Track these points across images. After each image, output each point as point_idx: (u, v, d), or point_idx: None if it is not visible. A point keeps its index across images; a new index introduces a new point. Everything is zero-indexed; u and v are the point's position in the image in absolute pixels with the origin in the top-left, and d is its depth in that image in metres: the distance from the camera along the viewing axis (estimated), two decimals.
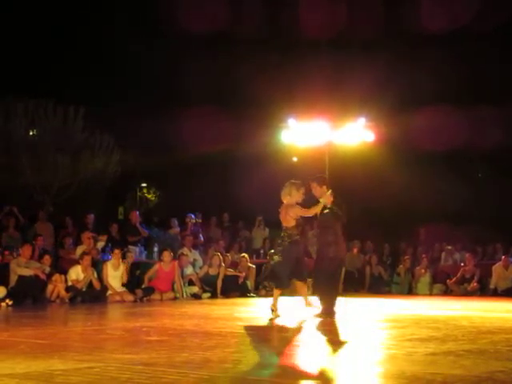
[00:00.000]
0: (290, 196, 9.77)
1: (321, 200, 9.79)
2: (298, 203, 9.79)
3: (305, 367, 5.52)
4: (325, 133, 21.02)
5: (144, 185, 39.54)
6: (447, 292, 17.93)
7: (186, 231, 17.94)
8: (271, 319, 9.58)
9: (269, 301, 10.12)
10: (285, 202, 9.82)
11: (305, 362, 5.82)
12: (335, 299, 9.91)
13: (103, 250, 15.67)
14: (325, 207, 9.77)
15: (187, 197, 28.96)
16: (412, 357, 5.96)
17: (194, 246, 17.32)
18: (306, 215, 9.95)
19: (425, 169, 26.65)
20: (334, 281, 9.96)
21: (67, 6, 30.42)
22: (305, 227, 18.24)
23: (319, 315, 9.71)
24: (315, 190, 10.01)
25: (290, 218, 9.69)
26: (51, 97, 23.43)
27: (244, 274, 16.48)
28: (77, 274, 13.94)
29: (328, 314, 9.70)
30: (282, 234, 9.83)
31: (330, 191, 9.83)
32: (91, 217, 16.93)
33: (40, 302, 13.36)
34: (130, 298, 14.18)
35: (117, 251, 14.58)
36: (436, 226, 21.19)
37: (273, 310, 9.80)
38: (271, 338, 7.95)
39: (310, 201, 10.12)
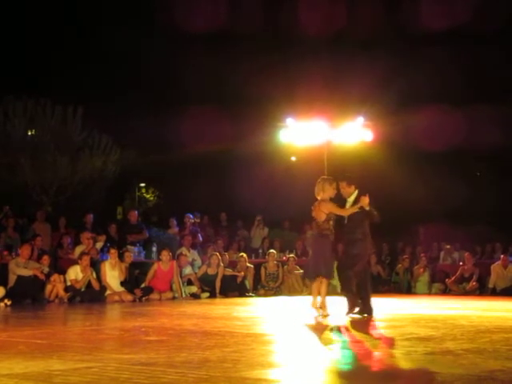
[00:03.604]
0: (324, 192, 9.91)
1: (361, 202, 9.81)
2: (331, 199, 9.97)
3: (303, 366, 5.52)
4: (323, 132, 21.01)
5: (142, 185, 39.53)
6: (446, 291, 17.94)
7: (185, 231, 17.93)
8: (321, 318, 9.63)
9: (267, 301, 10.09)
10: (319, 198, 9.96)
11: (303, 361, 5.81)
12: (368, 297, 10.03)
13: (102, 250, 15.66)
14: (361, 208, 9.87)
15: (186, 197, 28.95)
16: (411, 356, 5.96)
17: (193, 246, 17.32)
18: (340, 214, 10.00)
19: (423, 168, 26.66)
20: (360, 278, 10.03)
21: (66, 6, 30.44)
22: (305, 226, 18.33)
23: (359, 313, 9.83)
24: (343, 189, 10.15)
25: (321, 213, 9.82)
26: (50, 96, 23.42)
27: (243, 273, 16.48)
28: (76, 274, 13.93)
29: (366, 311, 9.85)
30: (314, 229, 10.06)
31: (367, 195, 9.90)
32: (90, 217, 16.92)
33: (39, 302, 13.36)
34: (129, 297, 14.18)
35: (113, 250, 14.57)
36: (435, 225, 21.19)
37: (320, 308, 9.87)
38: (269, 338, 7.93)
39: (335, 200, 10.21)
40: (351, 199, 10.11)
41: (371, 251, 10.14)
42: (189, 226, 18.25)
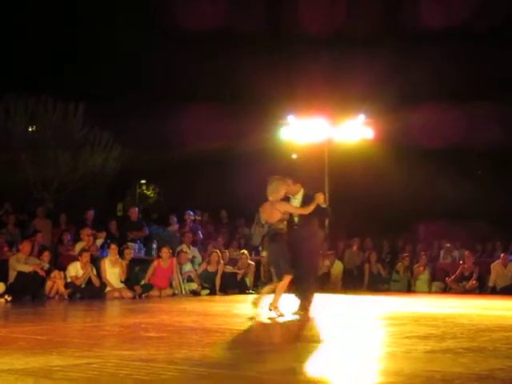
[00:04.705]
0: (278, 192, 9.66)
1: (317, 199, 9.65)
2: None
3: (303, 364, 5.52)
4: (324, 130, 21.03)
5: (143, 181, 39.56)
6: (446, 290, 17.92)
7: (185, 228, 17.94)
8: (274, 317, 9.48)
9: (267, 298, 10.05)
10: (271, 198, 9.67)
11: (303, 359, 5.81)
12: (313, 294, 9.91)
13: (102, 246, 15.66)
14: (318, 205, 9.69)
15: (186, 194, 28.97)
16: (411, 354, 5.96)
17: (193, 243, 17.31)
18: (297, 213, 9.79)
19: (424, 166, 26.66)
20: (312, 274, 10.00)
21: (67, 4, 30.44)
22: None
23: (297, 312, 9.70)
24: (289, 187, 9.89)
25: (277, 212, 9.54)
26: (51, 93, 23.42)
27: (243, 270, 16.48)
28: (76, 270, 13.93)
29: (304, 308, 9.71)
30: (267, 231, 9.76)
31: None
32: (91, 213, 16.91)
33: (39, 298, 13.35)
34: (129, 294, 14.18)
35: (113, 246, 14.56)
36: (435, 224, 21.20)
37: (275, 308, 9.68)
38: (269, 335, 7.94)
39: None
40: (298, 197, 9.92)
41: (323, 248, 9.78)
42: (189, 223, 18.25)
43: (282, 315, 9.48)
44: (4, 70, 27.10)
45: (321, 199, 9.73)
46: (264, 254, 9.97)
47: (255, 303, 9.73)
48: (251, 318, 9.27)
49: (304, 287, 9.86)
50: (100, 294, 13.97)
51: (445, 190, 26.53)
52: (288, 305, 9.83)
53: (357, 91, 24.95)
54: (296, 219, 9.85)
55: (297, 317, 9.49)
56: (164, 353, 5.90)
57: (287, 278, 9.63)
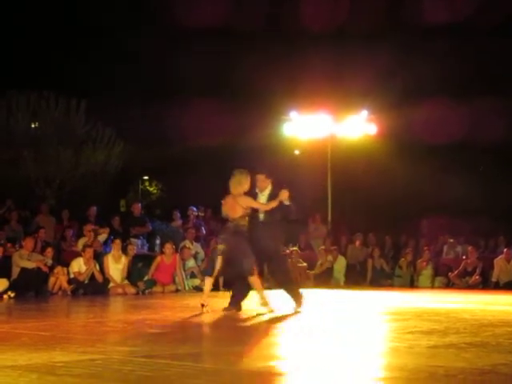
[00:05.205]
0: (241, 185, 9.39)
1: (281, 196, 9.40)
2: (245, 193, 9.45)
3: (306, 359, 5.52)
4: (327, 125, 21.02)
5: (146, 178, 39.61)
6: (449, 285, 17.90)
7: (188, 224, 17.95)
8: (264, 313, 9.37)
9: (271, 294, 10.05)
10: (234, 192, 9.40)
11: (306, 354, 5.81)
12: (298, 288, 9.99)
13: (105, 242, 15.68)
14: (281, 202, 9.47)
15: (189, 190, 28.96)
16: (414, 349, 5.95)
17: (196, 239, 17.32)
18: (260, 208, 9.51)
19: (427, 161, 26.64)
20: (289, 272, 10.23)
21: (67, 4, 30.47)
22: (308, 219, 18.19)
23: (296, 308, 9.66)
24: (262, 182, 9.68)
25: (239, 207, 9.26)
26: (53, 89, 23.45)
27: None
28: (79, 266, 13.95)
29: (299, 303, 9.68)
30: (228, 225, 9.39)
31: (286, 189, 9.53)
32: (93, 209, 16.95)
33: (42, 294, 13.38)
34: (132, 290, 14.20)
35: (117, 241, 14.58)
36: (438, 219, 21.17)
37: (265, 304, 9.49)
38: (271, 331, 7.93)
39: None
40: (265, 193, 9.64)
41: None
42: (192, 218, 18.27)
43: (272, 311, 9.38)
44: (5, 68, 27.14)
45: (284, 196, 9.44)
46: (220, 247, 9.52)
47: (203, 305, 9.67)
48: (252, 314, 9.29)
49: (286, 282, 9.89)
50: (103, 290, 14.00)
51: (448, 186, 26.49)
52: (280, 301, 9.83)
53: (360, 87, 24.94)
54: (261, 216, 9.56)
55: (297, 312, 9.50)
56: (167, 349, 5.89)
57: (255, 276, 9.41)
